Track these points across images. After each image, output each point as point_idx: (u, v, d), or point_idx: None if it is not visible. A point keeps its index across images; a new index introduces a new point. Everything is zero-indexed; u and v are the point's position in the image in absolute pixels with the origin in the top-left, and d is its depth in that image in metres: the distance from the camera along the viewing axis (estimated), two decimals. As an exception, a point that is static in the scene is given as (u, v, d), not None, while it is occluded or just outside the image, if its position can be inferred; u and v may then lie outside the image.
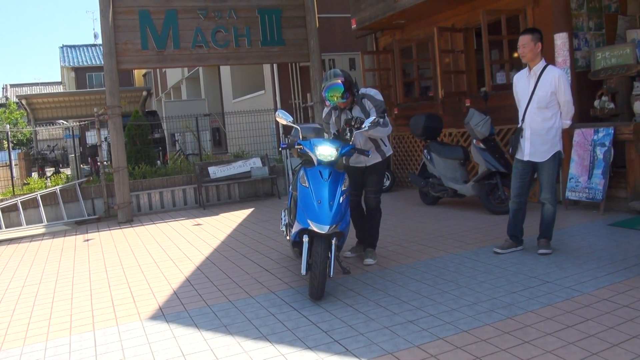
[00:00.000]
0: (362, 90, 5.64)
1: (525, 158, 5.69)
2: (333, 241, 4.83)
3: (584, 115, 7.86)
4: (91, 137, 16.89)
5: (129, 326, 4.63)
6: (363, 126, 5.25)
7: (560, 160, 5.73)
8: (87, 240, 8.78)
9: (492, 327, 3.92)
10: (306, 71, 13.52)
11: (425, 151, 9.17)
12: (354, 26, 11.86)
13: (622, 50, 7.67)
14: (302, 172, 5.13)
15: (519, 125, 5.76)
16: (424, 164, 9.31)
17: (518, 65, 8.63)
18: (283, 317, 4.52)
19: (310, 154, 5.10)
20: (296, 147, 5.23)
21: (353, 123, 5.31)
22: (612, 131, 7.22)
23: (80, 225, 10.33)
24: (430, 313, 4.31)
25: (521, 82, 5.77)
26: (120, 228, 9.68)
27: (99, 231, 9.51)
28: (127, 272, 6.52)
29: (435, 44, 10.09)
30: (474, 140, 8.16)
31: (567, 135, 7.69)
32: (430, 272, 5.43)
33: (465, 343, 3.70)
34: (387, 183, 11.38)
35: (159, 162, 13.68)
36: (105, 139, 12.69)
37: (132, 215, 10.50)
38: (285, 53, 11.63)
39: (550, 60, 7.56)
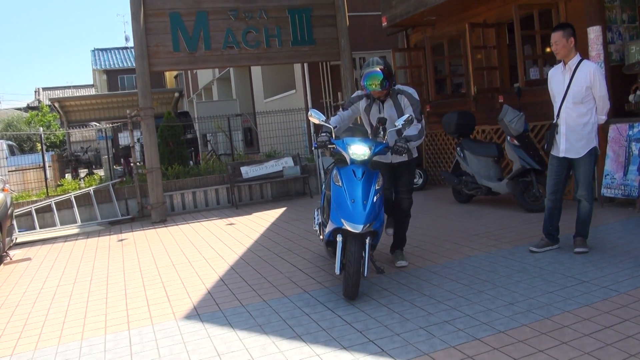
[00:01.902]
0: (399, 87, 5.58)
1: (561, 154, 5.62)
2: (367, 240, 4.82)
3: (618, 110, 7.72)
4: (123, 139, 17.13)
5: (163, 325, 4.69)
6: (396, 124, 5.17)
7: (597, 157, 5.64)
8: (121, 240, 8.91)
9: (529, 328, 3.89)
10: (337, 70, 13.51)
11: (458, 149, 9.10)
12: (384, 24, 11.82)
13: (657, 43, 7.53)
14: (335, 171, 5.11)
15: (554, 121, 5.68)
16: (457, 161, 9.24)
17: (551, 60, 8.51)
18: (317, 317, 4.53)
19: (344, 153, 5.08)
20: (329, 146, 5.20)
21: (386, 126, 5.30)
22: (648, 126, 7.09)
23: (114, 225, 10.49)
24: (467, 313, 4.29)
25: (556, 78, 5.70)
26: (154, 228, 9.80)
27: (132, 231, 9.64)
28: (162, 272, 6.60)
29: (467, 40, 10.01)
30: (508, 137, 8.07)
31: (602, 131, 7.55)
32: (466, 271, 5.39)
33: (502, 344, 3.67)
34: (419, 181, 11.33)
35: (191, 162, 13.81)
36: (138, 140, 12.84)
37: (166, 215, 10.62)
38: (316, 52, 11.65)
39: (584, 54, 7.45)
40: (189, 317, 4.88)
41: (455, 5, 10.11)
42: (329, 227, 4.99)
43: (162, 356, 4.03)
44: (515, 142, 7.97)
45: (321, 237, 5.74)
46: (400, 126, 5.16)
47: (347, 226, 4.70)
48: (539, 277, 4.99)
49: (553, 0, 8.70)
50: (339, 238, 4.85)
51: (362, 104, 5.59)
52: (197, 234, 8.83)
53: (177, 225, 9.87)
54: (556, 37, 5.51)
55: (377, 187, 4.92)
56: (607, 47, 7.69)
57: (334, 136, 5.28)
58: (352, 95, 5.73)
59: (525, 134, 8.00)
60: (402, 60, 12.51)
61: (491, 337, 3.81)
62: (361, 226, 4.66)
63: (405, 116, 5.19)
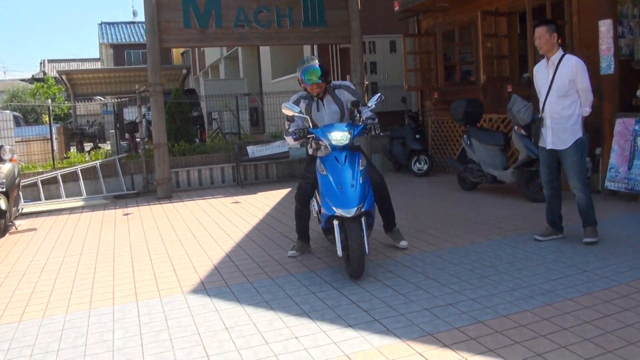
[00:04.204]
0: (334, 82, 5.65)
1: (548, 147, 5.77)
2: (363, 220, 4.94)
3: (626, 104, 7.76)
4: (129, 114, 17.17)
5: (171, 298, 4.78)
6: (369, 104, 5.34)
7: (585, 148, 5.76)
8: (127, 214, 8.99)
9: (531, 313, 3.97)
10: (346, 53, 13.52)
11: (465, 136, 9.15)
12: (396, 8, 11.82)
13: (668, 39, 7.55)
14: (318, 160, 5.27)
15: (540, 115, 5.83)
16: (463, 149, 9.30)
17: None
18: (323, 296, 4.62)
19: (324, 140, 5.18)
20: (308, 136, 5.30)
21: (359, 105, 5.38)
22: (655, 121, 7.14)
23: (119, 199, 10.57)
24: (470, 297, 4.37)
25: (540, 73, 5.87)
26: (160, 204, 9.88)
27: (138, 206, 9.72)
28: (168, 247, 6.69)
29: (479, 27, 10.02)
30: (516, 127, 8.11)
31: (608, 125, 7.63)
32: (469, 257, 5.47)
33: (504, 327, 3.76)
34: (424, 167, 11.39)
35: (197, 140, 13.86)
36: (144, 116, 12.88)
37: (171, 192, 10.69)
38: (327, 34, 11.64)
39: (594, 47, 7.51)
40: (196, 291, 4.96)
41: (468, -7, 10.11)
42: (323, 216, 5.15)
43: (171, 327, 4.12)
44: (523, 131, 8.00)
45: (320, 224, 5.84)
46: (374, 106, 5.34)
47: (340, 212, 4.86)
48: (541, 265, 5.07)
49: (566, -8, 8.71)
50: (335, 222, 4.99)
51: (302, 104, 5.56)
52: (202, 211, 8.91)
53: (182, 201, 9.95)
54: (540, 31, 5.64)
55: (361, 168, 5.07)
56: (618, 41, 7.70)
57: (311, 126, 5.39)
58: (292, 100, 5.67)
59: (532, 124, 8.04)
60: (412, 46, 12.53)
61: (494, 320, 3.90)
62: (353, 209, 4.83)
63: (377, 96, 5.41)
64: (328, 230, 5.37)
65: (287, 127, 5.57)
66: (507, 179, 8.37)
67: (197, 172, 11.57)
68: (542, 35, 5.61)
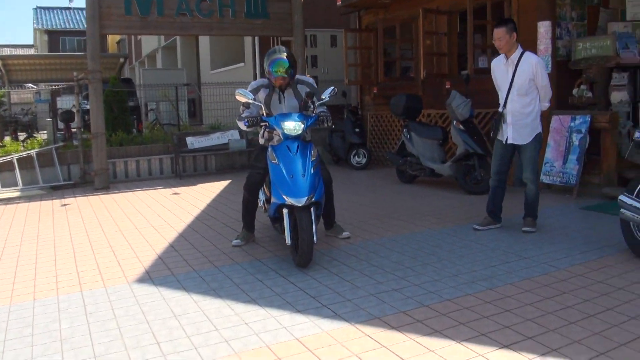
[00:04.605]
0: (298, 76, 5.65)
1: (509, 142, 5.94)
2: (312, 210, 5.00)
3: (562, 102, 8.08)
4: (63, 102, 16.66)
5: (116, 288, 4.70)
6: (323, 96, 5.38)
7: (541, 142, 6.00)
8: (65, 205, 8.76)
9: (473, 297, 4.12)
10: (288, 46, 13.51)
11: (404, 130, 9.33)
12: (339, 3, 11.92)
13: (602, 41, 7.89)
14: (270, 149, 5.29)
15: (501, 110, 5.99)
16: (402, 143, 9.47)
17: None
18: (270, 283, 4.64)
19: (277, 129, 5.21)
20: (261, 124, 5.33)
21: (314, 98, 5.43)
22: (589, 119, 7.47)
23: (56, 190, 10.27)
24: (414, 283, 4.49)
25: (499, 70, 6.03)
26: (97, 194, 9.67)
27: (75, 197, 9.48)
28: (109, 237, 6.55)
29: (420, 25, 10.23)
30: (454, 122, 8.35)
31: (544, 121, 7.90)
32: (411, 245, 5.61)
33: (449, 310, 3.89)
34: (363, 160, 11.55)
35: (134, 130, 13.60)
36: (80, 105, 12.54)
37: (109, 183, 10.46)
38: (269, 26, 11.62)
39: (533, 46, 7.77)
40: (141, 280, 4.90)
41: (410, -10, 10.29)
42: (273, 205, 5.18)
43: (118, 316, 4.05)
44: (461, 126, 8.25)
45: (267, 213, 5.83)
46: (328, 98, 5.41)
47: (290, 201, 4.90)
48: (481, 252, 5.25)
49: (506, -7, 8.99)
50: (285, 211, 5.03)
51: (262, 93, 5.54)
52: (142, 202, 8.77)
53: (120, 192, 9.77)
54: (500, 33, 5.80)
55: (312, 159, 5.14)
56: (556, 42, 8.01)
57: (264, 114, 5.42)
58: (251, 86, 5.63)
59: (470, 119, 8.30)
60: (353, 41, 12.64)
61: (438, 304, 4.03)
62: (304, 199, 4.88)
63: (330, 89, 5.46)
64: (276, 219, 5.41)
65: (241, 111, 5.56)
66: (445, 172, 8.59)
67: (134, 163, 11.35)
68: (502, 37, 5.78)
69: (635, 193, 4.85)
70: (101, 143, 10.31)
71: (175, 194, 9.44)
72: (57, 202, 8.99)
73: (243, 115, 5.45)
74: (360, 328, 3.68)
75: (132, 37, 29.90)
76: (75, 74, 10.63)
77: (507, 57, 5.90)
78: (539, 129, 5.89)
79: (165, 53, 24.62)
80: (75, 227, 7.15)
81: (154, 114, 17.02)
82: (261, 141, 5.65)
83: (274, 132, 5.32)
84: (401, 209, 7.39)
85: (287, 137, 5.18)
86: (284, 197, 4.94)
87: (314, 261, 5.13)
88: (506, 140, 5.96)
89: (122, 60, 17.77)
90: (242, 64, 16.45)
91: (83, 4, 11.33)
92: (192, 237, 6.42)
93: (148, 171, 11.48)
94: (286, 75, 5.39)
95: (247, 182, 5.71)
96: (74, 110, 11.57)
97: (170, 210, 8.02)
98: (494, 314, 3.79)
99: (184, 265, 5.28)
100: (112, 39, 36.05)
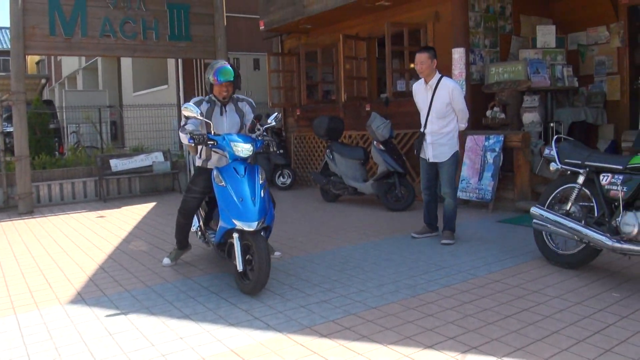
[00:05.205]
0: (238, 95, 5.61)
1: (430, 160, 6.41)
2: (262, 234, 4.87)
3: (476, 123, 8.59)
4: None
5: (50, 310, 4.66)
6: (269, 121, 5.42)
7: (458, 159, 6.47)
8: (-13, 228, 8.54)
9: (398, 304, 4.38)
10: (210, 68, 13.65)
11: (328, 151, 9.62)
12: (262, 27, 12.19)
13: (514, 67, 8.48)
14: (215, 171, 5.11)
15: (422, 130, 6.46)
16: (326, 163, 9.76)
17: (417, 75, 9.26)
18: (203, 300, 4.74)
19: (226, 149, 5.04)
20: (209, 142, 5.04)
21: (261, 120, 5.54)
22: (502, 138, 7.98)
23: (-23, 214, 9.97)
24: (341, 294, 4.71)
25: (420, 93, 6.52)
26: (22, 219, 9.43)
27: (-2, 221, 9.25)
28: (38, 260, 6.43)
29: (340, 50, 10.60)
30: (374, 142, 8.70)
31: (460, 141, 8.37)
32: (337, 259, 5.84)
33: (375, 317, 4.13)
34: (287, 181, 11.77)
35: (56, 153, 13.34)
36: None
37: (33, 207, 10.23)
38: (192, 49, 11.73)
39: (448, 71, 8.23)
40: (74, 301, 4.87)
41: (330, 17, 10.67)
42: (220, 230, 4.99)
43: (55, 337, 4.05)
44: (381, 147, 8.61)
45: (205, 240, 5.80)
46: (274, 123, 5.44)
47: (241, 225, 4.71)
48: (403, 264, 5.54)
49: (423, 22, 9.48)
50: (236, 235, 4.81)
51: (203, 107, 5.35)
52: (68, 225, 8.64)
53: (45, 216, 9.57)
54: (422, 57, 6.27)
55: (261, 182, 4.99)
56: (469, 67, 8.52)
57: (212, 132, 5.21)
58: (193, 101, 5.37)
59: (390, 139, 8.68)
60: (276, 64, 12.91)
61: (365, 312, 4.26)
62: (255, 223, 4.69)
63: (275, 114, 5.53)
64: (221, 245, 5.22)
65: (182, 122, 5.29)
66: (367, 190, 8.92)
67: (58, 187, 11.12)
68: (424, 62, 6.24)
69: (546, 205, 5.28)
70: (25, 166, 10.09)
71: (101, 217, 9.34)
72: (-22, 227, 8.74)
73: (187, 128, 5.11)
74: (292, 337, 3.85)
75: (52, 57, 29.16)
76: (-1, 94, 10.42)
77: (426, 82, 6.37)
78: (456, 148, 6.36)
79: (86, 74, 24.17)
80: (1, 251, 6.99)
81: (76, 136, 16.71)
82: (198, 162, 5.50)
83: (216, 151, 5.21)
84: (326, 226, 7.64)
85: (234, 159, 5.02)
86: (234, 221, 4.74)
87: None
88: (428, 159, 6.40)
89: (43, 81, 17.41)
90: (165, 86, 16.42)
91: (7, 23, 11.08)
92: (120, 258, 6.41)
93: (72, 194, 11.27)
94: (232, 81, 5.24)
95: (183, 206, 5.55)
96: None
97: (97, 232, 7.94)
98: (417, 319, 4.05)
99: (116, 286, 5.29)
100: (31, 60, 34.97)
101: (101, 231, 8.06)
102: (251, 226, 4.69)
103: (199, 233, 5.98)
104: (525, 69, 8.39)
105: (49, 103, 16.25)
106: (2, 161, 10.47)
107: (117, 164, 11.45)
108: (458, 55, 8.32)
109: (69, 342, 3.97)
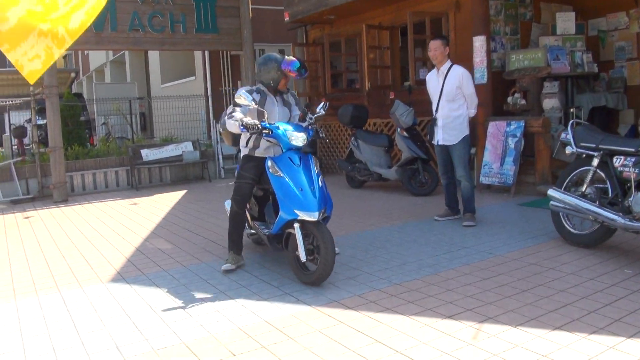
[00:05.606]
0: None
1: (440, 143, 6.71)
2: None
3: (497, 109, 8.79)
4: (15, 118, 16.60)
5: (92, 287, 5.00)
6: (318, 110, 5.48)
7: (469, 143, 6.72)
8: (28, 217, 8.94)
9: (420, 281, 4.66)
10: (236, 59, 14.02)
11: (352, 138, 9.88)
12: (286, 19, 12.45)
13: (534, 54, 8.64)
14: (270, 162, 5.02)
15: (434, 116, 6.76)
16: (351, 150, 10.02)
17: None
18: (236, 278, 5.05)
19: (281, 138, 4.96)
20: (264, 131, 4.92)
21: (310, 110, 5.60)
22: (523, 124, 8.17)
23: (16, 204, 10.40)
24: (366, 271, 5.00)
25: (432, 81, 6.85)
26: (58, 207, 9.85)
27: (36, 209, 9.65)
28: (77, 243, 6.82)
29: (363, 39, 10.84)
30: (399, 129, 8.93)
31: (482, 127, 8.58)
32: (363, 241, 6.13)
33: (398, 292, 4.41)
34: (314, 169, 12.03)
35: (88, 144, 13.76)
36: (29, 120, 12.66)
37: (67, 195, 10.65)
38: (219, 41, 12.07)
39: (469, 59, 8.44)
40: (115, 280, 5.22)
41: (353, 7, 10.88)
42: (280, 220, 4.91)
43: (98, 310, 4.38)
44: (405, 133, 8.84)
45: (251, 231, 5.74)
46: (323, 112, 5.50)
47: (304, 216, 4.66)
48: (426, 245, 5.81)
49: (444, 10, 9.67)
50: (297, 225, 4.75)
51: (255, 97, 5.26)
52: (103, 212, 9.03)
53: (80, 204, 9.98)
54: (436, 44, 6.60)
55: (317, 171, 4.97)
56: (490, 54, 8.71)
57: (266, 120, 5.07)
58: (243, 90, 5.21)
59: (413, 126, 8.91)
60: (301, 55, 13.16)
61: (389, 287, 4.54)
62: (317, 213, 4.65)
63: (323, 103, 5.59)
64: (276, 237, 5.17)
65: (231, 110, 5.19)
66: (392, 176, 9.17)
67: (91, 176, 11.57)
68: (437, 48, 6.55)
69: (563, 187, 5.50)
70: (59, 157, 10.52)
71: (134, 204, 9.72)
72: (19, 215, 9.14)
73: (236, 116, 5.01)
74: (320, 309, 4.15)
75: (80, 51, 29.72)
76: (31, 89, 10.82)
77: (438, 69, 6.67)
78: (466, 132, 6.62)
79: (113, 67, 24.67)
80: (42, 237, 7.35)
81: (106, 127, 17.16)
82: (244, 151, 5.43)
83: (270, 140, 5.16)
84: (352, 211, 7.91)
85: (289, 148, 4.98)
86: (297, 211, 4.68)
87: (272, 258, 5.58)
88: (437, 142, 6.69)
89: (73, 75, 17.84)
90: (192, 78, 16.78)
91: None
92: (156, 241, 6.75)
93: (105, 183, 11.70)
94: (296, 73, 5.20)
95: (236, 193, 5.35)
96: (27, 125, 11.70)
97: (131, 218, 8.31)
98: (437, 293, 4.33)
99: (153, 266, 5.63)
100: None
101: (136, 217, 8.42)
102: (313, 216, 4.64)
103: (250, 225, 5.80)
104: (545, 56, 8.55)
105: (79, 96, 16.69)
106: (37, 152, 10.89)
107: (148, 154, 11.83)
108: (479, 43, 8.50)
109: (113, 315, 4.30)
